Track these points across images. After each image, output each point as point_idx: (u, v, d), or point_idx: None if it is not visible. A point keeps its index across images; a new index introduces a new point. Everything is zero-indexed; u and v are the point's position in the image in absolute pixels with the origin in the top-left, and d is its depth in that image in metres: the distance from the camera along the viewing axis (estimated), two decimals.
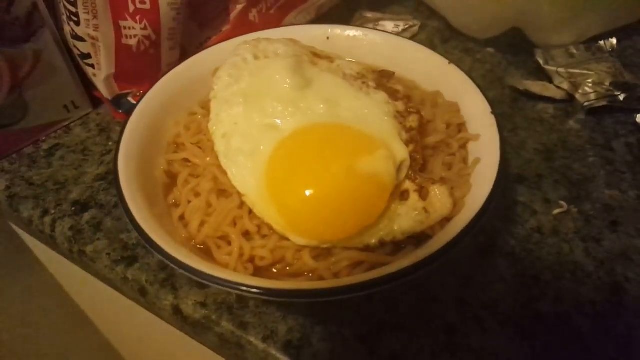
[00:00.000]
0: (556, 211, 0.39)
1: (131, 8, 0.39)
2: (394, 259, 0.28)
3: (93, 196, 0.42)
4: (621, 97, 0.44)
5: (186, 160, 0.36)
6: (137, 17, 0.40)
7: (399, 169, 0.31)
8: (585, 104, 0.45)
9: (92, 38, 0.40)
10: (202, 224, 0.32)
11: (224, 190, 0.33)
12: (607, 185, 0.40)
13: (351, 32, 0.43)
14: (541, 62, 0.49)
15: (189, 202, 0.33)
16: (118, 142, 0.34)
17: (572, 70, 0.48)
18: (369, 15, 0.58)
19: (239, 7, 0.48)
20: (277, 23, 0.50)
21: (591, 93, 0.45)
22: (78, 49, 0.42)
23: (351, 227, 0.29)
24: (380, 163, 0.30)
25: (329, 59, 0.38)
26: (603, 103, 0.45)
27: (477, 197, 0.30)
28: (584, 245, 0.36)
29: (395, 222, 0.30)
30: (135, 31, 0.40)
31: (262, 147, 0.32)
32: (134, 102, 0.43)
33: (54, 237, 0.40)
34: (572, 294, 0.34)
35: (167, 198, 0.35)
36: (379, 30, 0.46)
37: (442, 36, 0.56)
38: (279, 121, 0.33)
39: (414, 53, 0.40)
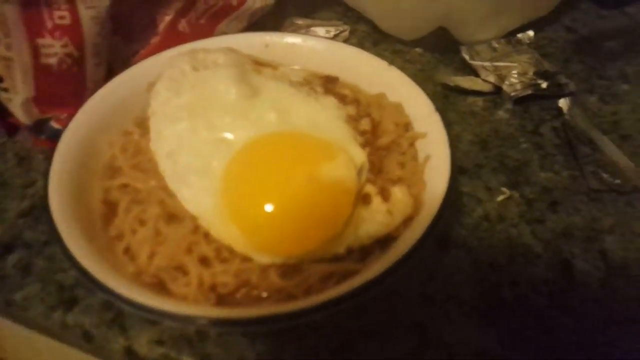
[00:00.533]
0: (499, 198, 0.40)
1: (49, 24, 0.36)
2: (365, 266, 0.28)
3: (17, 235, 0.37)
4: (544, 85, 0.47)
5: (125, 185, 0.33)
6: (57, 34, 0.36)
7: (359, 173, 0.31)
8: (512, 94, 0.48)
9: (5, 59, 0.36)
10: (152, 255, 0.29)
11: (173, 215, 0.31)
12: (541, 169, 0.42)
13: (290, 39, 0.42)
14: (467, 58, 0.52)
15: (134, 232, 0.30)
16: (47, 172, 0.31)
17: (496, 64, 0.50)
18: (300, 22, 0.58)
19: (167, 17, 0.45)
20: (208, 32, 0.49)
21: (517, 83, 0.48)
22: None
23: (319, 238, 0.28)
24: (342, 169, 0.29)
25: (272, 66, 0.37)
26: (528, 92, 0.47)
27: (434, 193, 0.31)
28: (530, 228, 0.38)
29: (361, 227, 0.29)
30: (55, 49, 0.36)
31: (214, 163, 0.30)
32: (58, 126, 0.40)
33: None
34: (526, 276, 0.35)
35: (107, 230, 0.31)
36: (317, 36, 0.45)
37: (372, 39, 0.57)
38: (229, 134, 0.31)
39: (355, 57, 0.40)
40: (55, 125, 0.40)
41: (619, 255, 0.36)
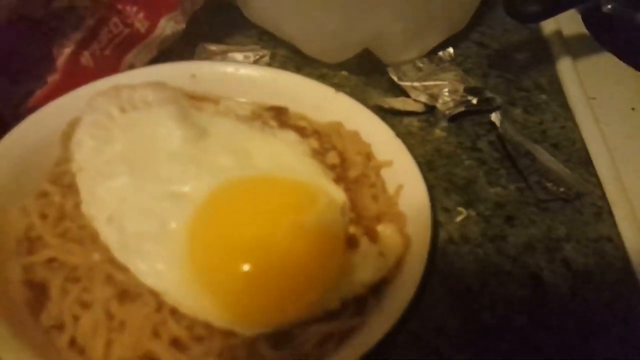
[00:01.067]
0: (458, 218, 0.40)
1: None
2: (364, 321, 0.25)
3: None
4: (474, 101, 0.48)
5: (52, 260, 0.26)
6: None
7: (341, 214, 0.28)
8: (447, 112, 0.48)
9: None
10: (109, 344, 0.23)
11: (126, 292, 0.25)
12: (489, 184, 0.43)
13: (221, 67, 0.38)
14: (395, 79, 0.51)
15: (77, 318, 0.24)
16: None
17: (425, 83, 0.51)
18: (213, 48, 0.53)
19: (67, 50, 0.38)
20: (115, 64, 0.42)
21: (449, 101, 0.48)
22: None
23: (312, 296, 0.24)
24: (325, 212, 0.26)
25: (212, 100, 0.33)
26: (462, 109, 0.48)
27: (418, 226, 0.29)
28: (494, 246, 0.38)
29: (353, 274, 0.26)
30: None
31: (173, 225, 0.25)
32: None
33: None
34: (502, 296, 0.35)
35: (39, 320, 0.25)
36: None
37: (294, 64, 0.55)
38: (183, 186, 0.26)
39: (297, 85, 0.37)
40: None
41: (581, 262, 0.37)
